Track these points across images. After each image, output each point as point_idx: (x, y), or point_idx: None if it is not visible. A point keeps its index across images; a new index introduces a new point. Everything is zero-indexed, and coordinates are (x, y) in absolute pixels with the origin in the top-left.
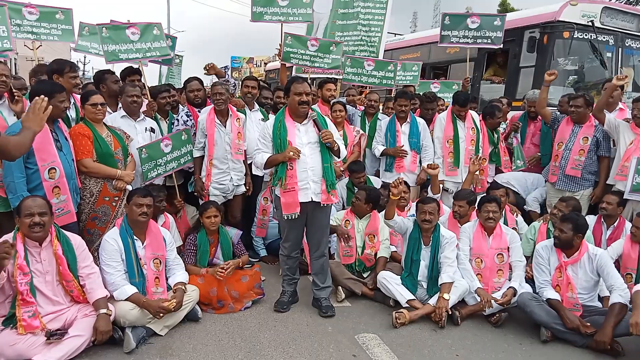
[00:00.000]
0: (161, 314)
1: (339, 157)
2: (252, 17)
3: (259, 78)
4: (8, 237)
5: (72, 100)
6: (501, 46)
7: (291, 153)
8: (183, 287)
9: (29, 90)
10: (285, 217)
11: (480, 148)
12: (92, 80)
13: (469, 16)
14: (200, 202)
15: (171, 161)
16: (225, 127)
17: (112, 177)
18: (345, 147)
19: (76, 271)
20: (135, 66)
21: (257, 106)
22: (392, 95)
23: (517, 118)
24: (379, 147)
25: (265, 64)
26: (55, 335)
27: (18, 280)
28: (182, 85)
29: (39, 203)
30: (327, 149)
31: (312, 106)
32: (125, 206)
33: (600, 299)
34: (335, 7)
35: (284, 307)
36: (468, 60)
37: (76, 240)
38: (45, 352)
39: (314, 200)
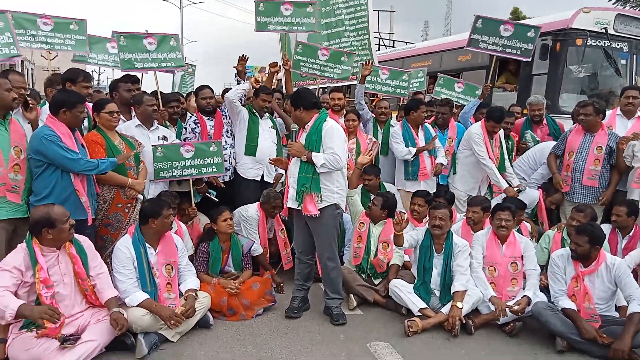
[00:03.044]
0: (172, 322)
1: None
2: (256, 27)
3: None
4: (22, 247)
5: (85, 109)
6: (529, 59)
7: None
8: (194, 294)
9: (43, 100)
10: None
11: (504, 163)
12: (109, 89)
13: (503, 23)
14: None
15: (190, 167)
16: None
17: (123, 185)
18: (358, 155)
19: (88, 270)
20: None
21: (267, 114)
22: (403, 105)
23: (521, 125)
24: (410, 149)
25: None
26: (69, 341)
27: (42, 293)
28: (193, 93)
29: (62, 207)
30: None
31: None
32: (152, 221)
33: (617, 308)
34: (318, 17)
35: (295, 313)
36: (492, 68)
37: (84, 240)
38: (59, 357)
39: (293, 207)
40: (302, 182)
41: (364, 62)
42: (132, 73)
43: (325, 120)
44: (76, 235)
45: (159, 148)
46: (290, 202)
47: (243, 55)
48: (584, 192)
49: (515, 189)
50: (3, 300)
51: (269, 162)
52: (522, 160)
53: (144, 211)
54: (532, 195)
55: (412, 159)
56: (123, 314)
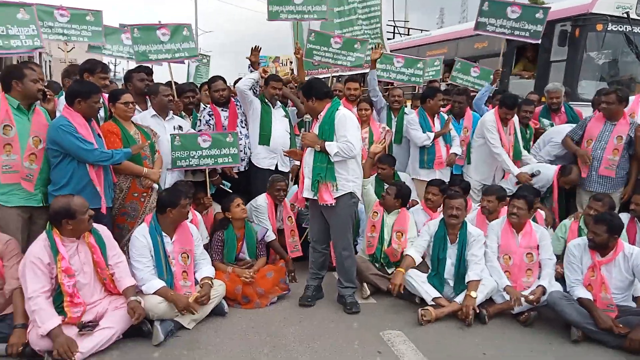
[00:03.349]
0: (186, 311)
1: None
2: (268, 16)
3: (284, 76)
4: (42, 237)
5: (101, 100)
6: (539, 41)
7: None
8: (210, 282)
9: (61, 90)
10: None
11: (520, 150)
12: (123, 80)
13: (510, 4)
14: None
15: (207, 157)
16: None
17: (139, 174)
18: (371, 144)
19: (107, 260)
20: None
21: (279, 103)
22: (418, 93)
23: (539, 113)
24: (427, 135)
25: (291, 62)
26: (87, 327)
27: (65, 283)
28: (207, 84)
29: (81, 197)
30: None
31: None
32: (170, 210)
33: (635, 298)
34: (330, 6)
35: (309, 301)
36: (502, 52)
37: (102, 229)
38: (78, 343)
39: (309, 196)
40: (317, 171)
41: (374, 47)
42: (146, 65)
43: (337, 109)
44: (95, 225)
45: (177, 137)
46: (306, 192)
47: (256, 46)
48: (600, 181)
49: (530, 173)
50: (42, 315)
51: (284, 154)
52: (535, 148)
53: (162, 200)
54: (546, 175)
55: (430, 144)
56: (140, 303)
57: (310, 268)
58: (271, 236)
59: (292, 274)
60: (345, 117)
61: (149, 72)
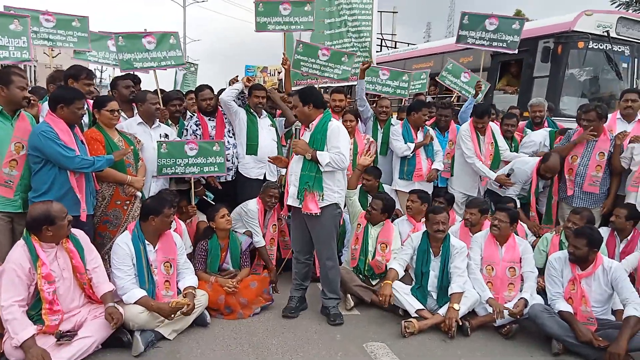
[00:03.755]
0: (173, 315)
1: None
2: (256, 28)
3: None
4: (21, 243)
5: (86, 106)
6: (516, 51)
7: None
8: (193, 291)
9: (45, 96)
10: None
11: (499, 164)
12: (110, 87)
13: (488, 17)
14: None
15: (192, 165)
16: None
17: (122, 182)
18: (355, 155)
19: (85, 264)
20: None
21: (264, 113)
22: (405, 105)
23: (523, 128)
24: (408, 145)
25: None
26: (65, 337)
27: (45, 289)
28: (193, 92)
29: (60, 203)
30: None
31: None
32: (152, 218)
33: (613, 312)
34: (320, 18)
35: (292, 312)
36: (482, 65)
37: (80, 234)
38: (55, 353)
39: (293, 204)
40: (304, 180)
41: (362, 62)
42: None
43: (330, 120)
44: (72, 230)
45: (164, 144)
46: (291, 200)
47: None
48: (583, 197)
49: (505, 174)
50: (16, 325)
51: (268, 161)
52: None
53: (146, 207)
54: (523, 170)
55: (410, 154)
56: (118, 309)
57: (294, 279)
58: (261, 242)
59: (274, 284)
60: (339, 128)
61: (137, 81)
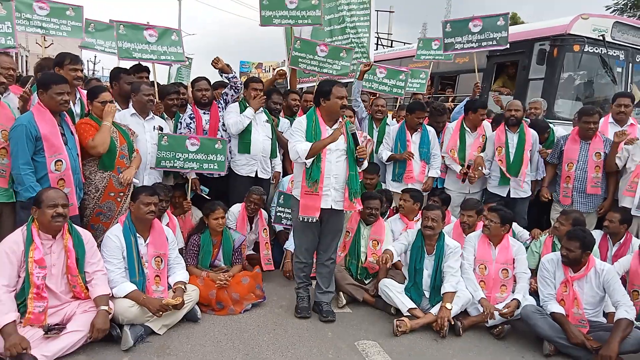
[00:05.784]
0: (161, 313)
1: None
2: (261, 22)
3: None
4: (22, 228)
5: (78, 96)
6: (508, 46)
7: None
8: (183, 287)
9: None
10: (302, 219)
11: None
12: (109, 77)
13: (471, 20)
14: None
15: (192, 161)
16: None
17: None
18: None
19: (83, 267)
20: (145, 63)
21: (261, 108)
22: (401, 104)
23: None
24: (385, 152)
25: (274, 69)
26: (53, 330)
27: (34, 273)
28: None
29: (62, 194)
30: (354, 157)
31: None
32: (131, 204)
33: (605, 314)
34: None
35: (308, 312)
36: (476, 67)
37: (87, 235)
38: (43, 347)
39: (333, 207)
40: (355, 179)
41: (363, 63)
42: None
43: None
44: (79, 229)
45: (165, 137)
46: (335, 204)
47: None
48: (584, 201)
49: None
50: None
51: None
52: None
53: (132, 193)
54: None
55: (387, 163)
56: (110, 313)
57: (299, 280)
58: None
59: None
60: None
61: (146, 69)
